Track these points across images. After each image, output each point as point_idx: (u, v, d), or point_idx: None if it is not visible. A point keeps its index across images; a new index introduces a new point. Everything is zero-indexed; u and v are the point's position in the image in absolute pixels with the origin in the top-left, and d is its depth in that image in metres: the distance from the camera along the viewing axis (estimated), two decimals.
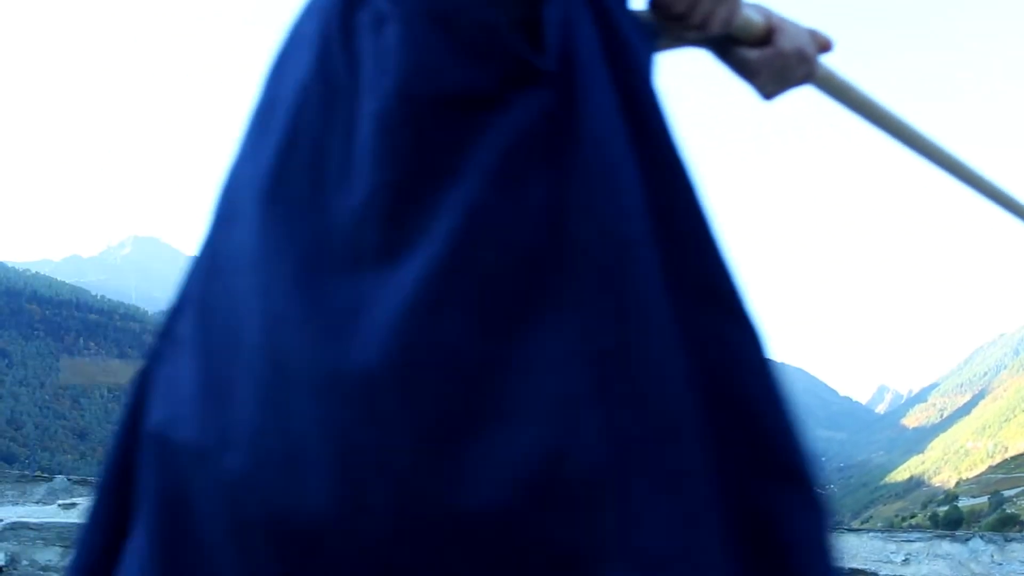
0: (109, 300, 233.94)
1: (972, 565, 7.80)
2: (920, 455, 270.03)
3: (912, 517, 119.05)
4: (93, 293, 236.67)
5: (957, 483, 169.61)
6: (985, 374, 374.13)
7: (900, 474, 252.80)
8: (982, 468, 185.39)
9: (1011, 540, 7.59)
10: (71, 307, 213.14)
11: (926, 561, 7.74)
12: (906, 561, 7.96)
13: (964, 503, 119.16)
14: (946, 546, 7.76)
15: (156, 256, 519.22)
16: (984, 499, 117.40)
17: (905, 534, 8.20)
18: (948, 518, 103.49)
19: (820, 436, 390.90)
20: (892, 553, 7.96)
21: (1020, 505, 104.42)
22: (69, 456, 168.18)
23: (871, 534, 8.29)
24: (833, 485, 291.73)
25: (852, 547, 7.63)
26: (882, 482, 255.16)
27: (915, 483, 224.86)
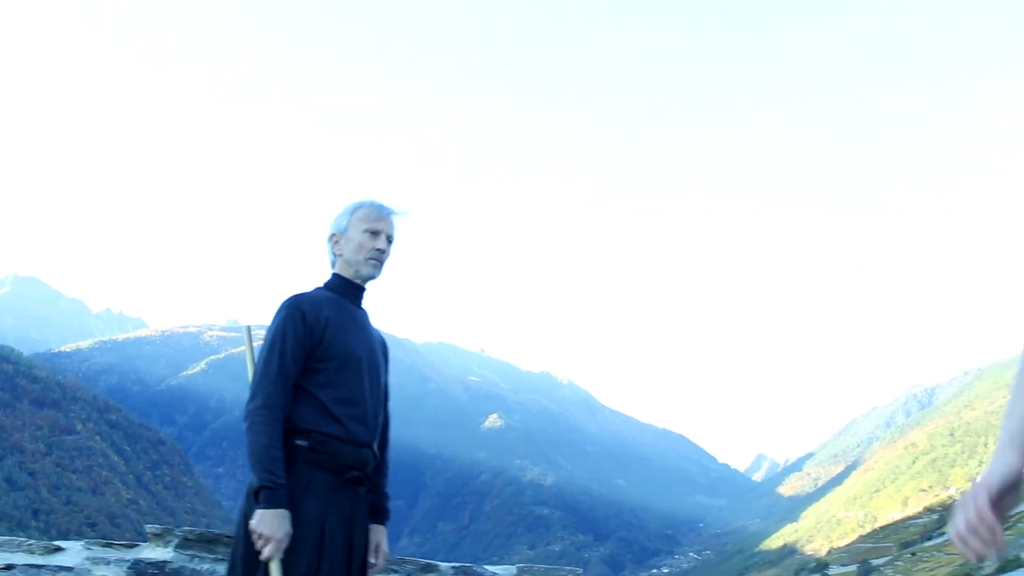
0: None
1: None
2: (794, 523, 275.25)
3: None
4: None
5: (828, 551, 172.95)
6: (858, 445, 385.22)
7: (774, 541, 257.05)
8: (852, 537, 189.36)
9: None
10: None
11: None
12: None
13: (834, 571, 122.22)
14: None
15: (35, 296, 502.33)
16: (853, 568, 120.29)
17: None
18: None
19: (700, 502, 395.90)
20: None
21: (886, 574, 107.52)
22: None
23: None
24: (710, 551, 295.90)
25: None
26: (757, 549, 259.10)
27: (788, 551, 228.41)
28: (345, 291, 3.62)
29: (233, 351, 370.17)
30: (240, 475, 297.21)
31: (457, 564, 5.03)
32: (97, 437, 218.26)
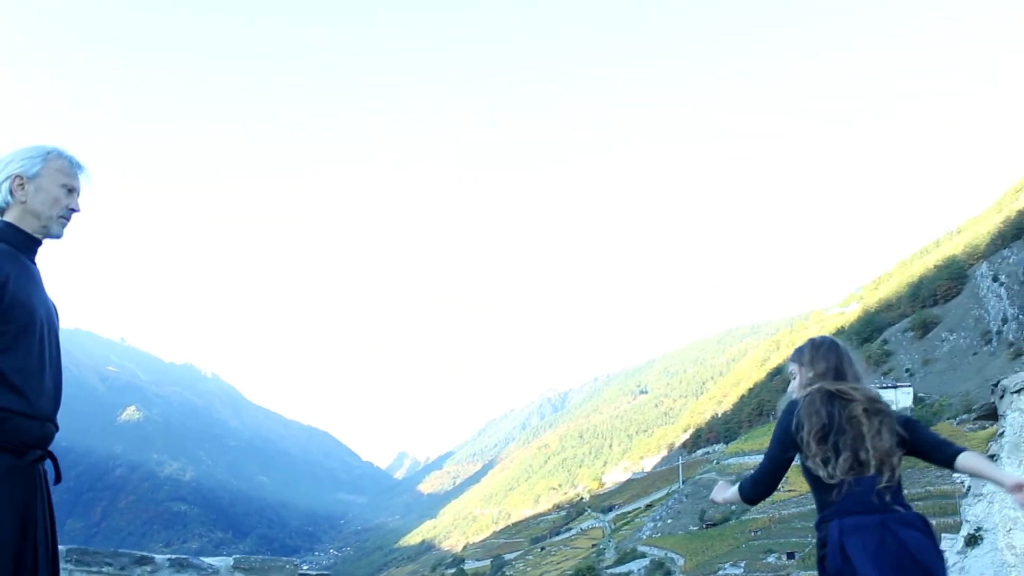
0: None
1: None
2: (433, 519, 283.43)
3: None
4: None
5: (464, 547, 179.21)
6: (495, 445, 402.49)
7: (413, 537, 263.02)
8: (488, 533, 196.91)
9: None
10: None
11: None
12: None
13: (469, 566, 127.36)
14: None
15: None
16: (487, 562, 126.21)
17: None
18: None
19: (342, 499, 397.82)
20: None
21: (517, 568, 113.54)
22: None
23: None
24: (350, 547, 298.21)
25: None
26: (396, 545, 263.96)
27: (426, 546, 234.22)
28: (22, 245, 3.11)
29: None
30: None
31: (173, 556, 5.06)
32: None
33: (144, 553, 4.88)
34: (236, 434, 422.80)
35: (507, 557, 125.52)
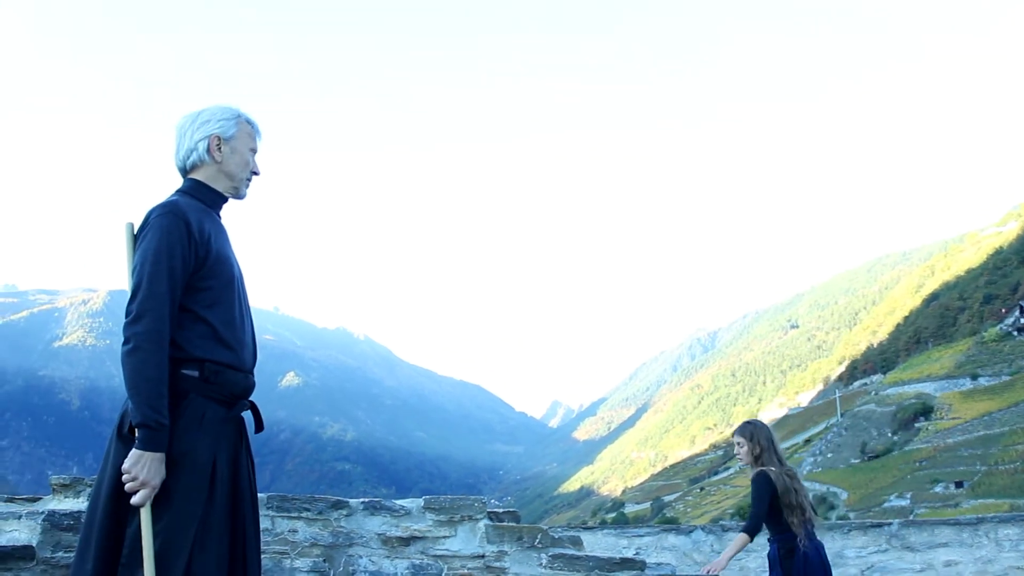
0: None
1: (695, 555, 10.33)
2: (590, 465, 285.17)
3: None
4: None
5: (623, 491, 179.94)
6: (647, 389, 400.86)
7: (572, 484, 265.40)
8: (645, 476, 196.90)
9: (727, 530, 10.23)
10: None
11: (654, 553, 10.16)
12: (636, 554, 10.27)
13: (629, 509, 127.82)
14: (671, 539, 10.25)
15: None
16: (647, 505, 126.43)
17: (635, 530, 10.57)
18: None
19: (499, 450, 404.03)
20: (624, 548, 10.33)
21: (677, 508, 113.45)
22: None
23: (605, 531, 10.67)
24: (510, 497, 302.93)
25: (588, 544, 9.60)
26: (555, 492, 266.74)
27: (586, 492, 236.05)
28: (213, 203, 3.22)
29: (12, 317, 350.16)
30: (26, 447, 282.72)
31: (366, 500, 5.27)
32: None
33: (339, 498, 5.23)
34: (392, 393, 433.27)
35: (666, 499, 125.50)
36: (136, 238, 3.01)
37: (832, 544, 8.80)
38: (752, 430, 5.85)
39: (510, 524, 5.16)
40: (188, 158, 3.20)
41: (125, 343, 2.84)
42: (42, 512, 4.27)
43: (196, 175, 3.21)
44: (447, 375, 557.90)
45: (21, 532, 4.29)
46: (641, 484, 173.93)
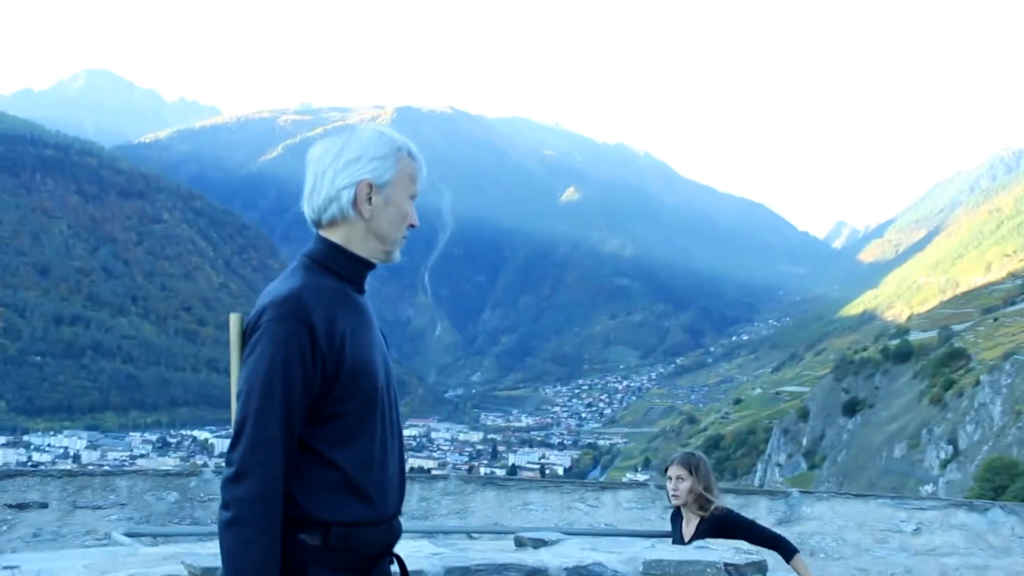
0: (64, 135, 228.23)
1: (990, 537, 7.67)
2: (874, 290, 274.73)
3: (864, 350, 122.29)
4: (48, 128, 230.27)
5: (909, 317, 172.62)
6: (941, 211, 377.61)
7: (854, 308, 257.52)
8: (933, 303, 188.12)
9: None
10: (25, 142, 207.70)
11: (940, 532, 7.54)
12: (917, 531, 7.64)
13: (914, 337, 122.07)
14: (962, 516, 7.53)
15: (109, 89, 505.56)
16: (934, 333, 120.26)
17: (918, 501, 7.73)
18: (898, 351, 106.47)
19: (779, 270, 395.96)
20: (902, 522, 7.67)
21: (967, 339, 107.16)
22: (32, 292, 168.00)
23: (879, 501, 7.90)
24: (789, 318, 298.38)
25: (858, 514, 7.27)
26: (836, 315, 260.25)
27: (868, 317, 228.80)
28: (355, 276, 2.29)
29: (308, 134, 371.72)
30: None
31: (570, 566, 3.58)
32: (184, 225, 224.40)
33: (536, 567, 3.61)
34: (670, 210, 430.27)
35: (955, 328, 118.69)
36: (245, 337, 2.17)
37: None
38: (697, 463, 4.89)
39: None
40: (326, 209, 2.24)
41: (224, 508, 2.06)
42: None
43: (334, 234, 2.26)
44: (727, 192, 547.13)
45: None
46: (928, 311, 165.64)
